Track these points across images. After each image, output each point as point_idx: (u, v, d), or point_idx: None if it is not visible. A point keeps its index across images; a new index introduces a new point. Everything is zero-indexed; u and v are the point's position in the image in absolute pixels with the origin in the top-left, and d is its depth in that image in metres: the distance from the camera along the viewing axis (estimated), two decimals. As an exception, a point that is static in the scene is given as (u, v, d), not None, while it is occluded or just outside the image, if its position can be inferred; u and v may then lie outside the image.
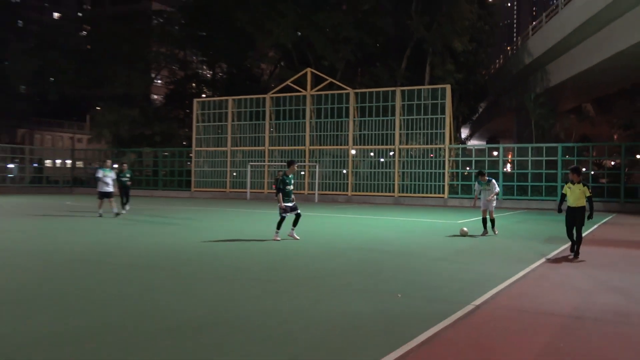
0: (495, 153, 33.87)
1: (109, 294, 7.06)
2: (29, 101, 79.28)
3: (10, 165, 43.56)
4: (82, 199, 31.39)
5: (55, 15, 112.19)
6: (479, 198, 14.67)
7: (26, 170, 43.73)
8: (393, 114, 32.71)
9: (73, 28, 65.29)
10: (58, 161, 53.09)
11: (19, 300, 6.67)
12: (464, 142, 59.55)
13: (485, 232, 14.36)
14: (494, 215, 14.56)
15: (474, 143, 66.64)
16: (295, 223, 12.71)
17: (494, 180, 14.55)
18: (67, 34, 58.81)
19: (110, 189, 18.85)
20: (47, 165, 51.45)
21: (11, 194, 37.61)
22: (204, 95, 50.90)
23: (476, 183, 14.91)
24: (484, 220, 14.44)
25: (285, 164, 13.44)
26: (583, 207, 10.58)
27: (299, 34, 43.39)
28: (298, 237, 12.53)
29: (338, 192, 33.86)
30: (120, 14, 70.28)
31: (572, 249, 10.82)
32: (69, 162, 49.24)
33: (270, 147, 35.68)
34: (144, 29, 54.91)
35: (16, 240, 12.48)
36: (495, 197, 14.41)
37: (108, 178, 18.83)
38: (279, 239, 12.33)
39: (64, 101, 56.70)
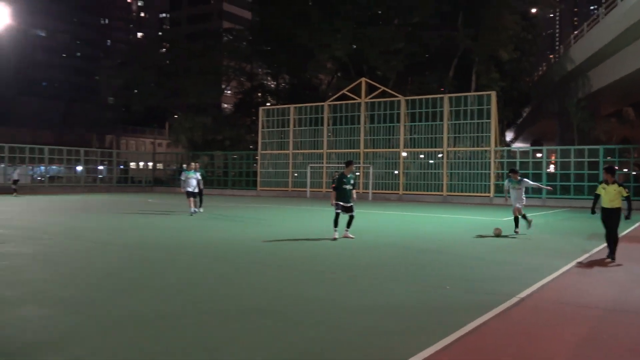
0: (539, 155, 32.91)
1: (185, 281, 7.32)
2: (116, 111, 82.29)
3: (100, 167, 45.32)
4: (161, 197, 32.37)
5: (139, 35, 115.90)
6: (509, 197, 13.89)
7: (114, 172, 45.29)
8: (441, 119, 32.29)
9: (154, 46, 67.28)
10: (141, 163, 54.85)
11: (108, 285, 7.02)
12: (508, 144, 58.17)
13: (517, 231, 13.42)
14: (521, 214, 13.46)
15: (518, 145, 64.94)
16: (348, 224, 12.05)
17: (525, 179, 13.70)
18: (149, 51, 60.65)
19: (194, 189, 18.51)
20: (132, 167, 53.20)
21: (101, 192, 39.12)
22: (268, 104, 51.53)
23: (507, 181, 13.91)
24: (516, 219, 13.55)
25: (343, 164, 12.83)
26: (618, 208, 9.51)
27: (354, 47, 43.41)
28: (352, 236, 11.92)
29: (390, 192, 33.68)
30: (195, 33, 72.12)
31: (610, 252, 9.64)
32: (150, 164, 50.84)
33: (328, 150, 35.83)
34: (216, 45, 56.15)
35: (110, 233, 13.05)
36: (524, 194, 13.51)
37: (191, 179, 18.53)
38: (337, 237, 11.75)
39: (146, 110, 58.39)
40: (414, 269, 8.53)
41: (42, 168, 42.42)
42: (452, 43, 42.19)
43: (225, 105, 66.56)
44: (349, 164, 12.25)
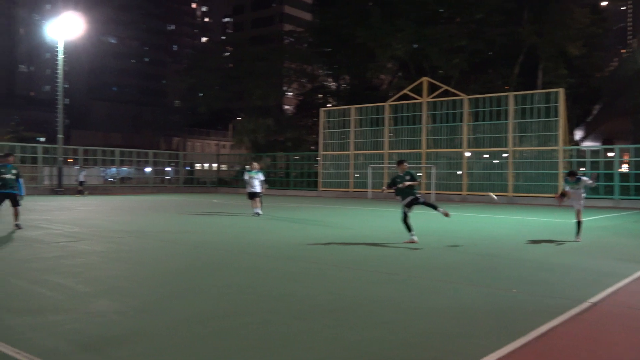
0: (610, 154, 31.45)
1: (249, 281, 7.44)
2: (182, 114, 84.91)
3: (168, 169, 46.85)
4: (226, 198, 33.08)
5: (204, 39, 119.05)
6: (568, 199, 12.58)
7: (180, 173, 46.68)
8: (506, 118, 31.43)
9: (218, 50, 68.96)
10: (206, 165, 56.29)
11: (175, 284, 7.23)
12: (577, 143, 55.93)
13: (578, 239, 11.98)
14: (582, 218, 12.16)
15: (588, 144, 62.32)
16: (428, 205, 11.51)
17: (584, 178, 12.78)
18: (213, 55, 62.22)
19: (256, 189, 18.36)
20: (197, 168, 54.68)
21: (168, 192, 40.40)
22: (329, 105, 51.77)
23: (564, 183, 12.73)
24: (579, 224, 12.12)
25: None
26: None
27: (415, 46, 42.94)
28: (417, 240, 11.26)
29: (453, 192, 33.07)
30: (257, 36, 73.38)
31: None
32: (215, 165, 52.11)
33: (389, 151, 35.58)
34: (277, 48, 56.95)
35: (177, 232, 13.46)
36: (584, 193, 12.22)
37: (254, 180, 18.42)
38: (416, 239, 11.19)
39: (210, 113, 59.93)
40: (479, 271, 8.34)
41: (114, 169, 44.28)
42: (517, 39, 40.99)
43: (287, 107, 67.37)
44: (399, 163, 11.99)
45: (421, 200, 11.51)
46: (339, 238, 12.21)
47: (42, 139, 62.55)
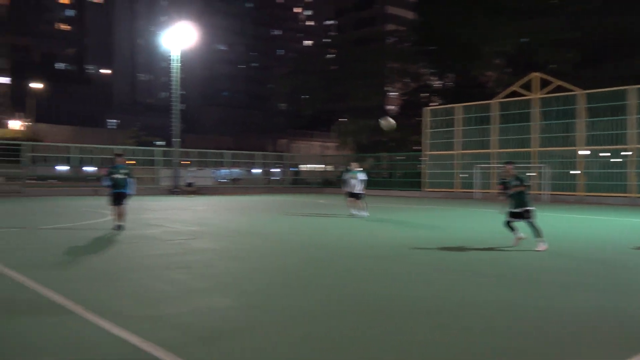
0: None
1: (355, 281, 7.44)
2: (287, 116, 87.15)
3: (275, 170, 48.24)
4: (331, 198, 33.45)
5: (307, 43, 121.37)
6: None
7: (286, 173, 47.83)
8: (628, 113, 29.16)
9: (320, 52, 70.03)
10: (311, 166, 57.25)
11: (284, 281, 7.38)
12: None
13: None
14: None
15: None
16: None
17: None
18: (316, 58, 63.27)
19: (356, 189, 17.87)
20: (303, 169, 55.76)
21: (275, 193, 41.53)
22: (433, 104, 50.80)
23: None
24: None
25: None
26: None
27: (524, 40, 41.02)
28: (524, 236, 10.56)
29: (567, 193, 31.18)
30: (359, 38, 73.59)
31: None
32: (320, 166, 52.81)
33: (497, 150, 34.24)
34: (379, 48, 56.81)
35: (285, 231, 13.80)
36: None
37: (353, 180, 17.90)
38: (523, 236, 10.50)
39: (314, 114, 60.97)
40: (597, 275, 7.78)
41: (225, 171, 46.31)
42: (638, 29, 37.91)
43: (390, 107, 67.01)
44: (506, 164, 10.79)
45: (529, 217, 10.26)
46: (444, 240, 11.90)
47: (162, 143, 66.69)
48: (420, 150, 41.41)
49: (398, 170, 42.97)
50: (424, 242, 11.37)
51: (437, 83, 56.82)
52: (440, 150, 37.48)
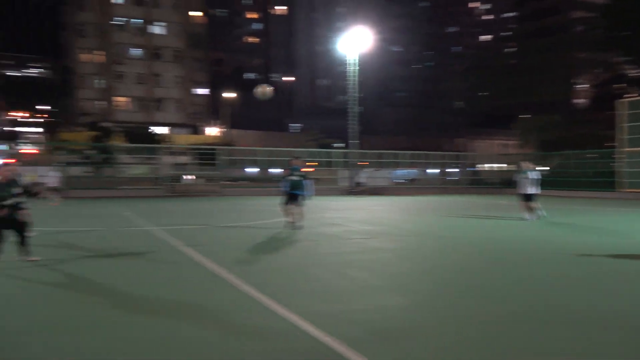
0: None
1: (529, 285, 7.08)
2: (463, 114, 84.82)
3: (451, 170, 47.31)
4: (512, 199, 31.84)
5: (484, 38, 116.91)
6: None
7: (464, 173, 46.63)
8: None
9: (499, 47, 67.06)
10: (490, 165, 55.07)
11: (455, 283, 7.28)
12: None
13: None
14: None
15: None
16: None
17: None
18: (494, 53, 60.74)
19: (528, 190, 16.46)
20: (482, 168, 53.85)
21: (452, 193, 40.68)
22: (628, 95, 45.73)
23: None
24: None
25: None
26: None
27: None
28: None
29: None
30: (542, 28, 68.95)
31: None
32: (500, 165, 50.56)
33: None
34: (564, 38, 52.70)
35: (459, 233, 13.55)
36: None
37: (525, 179, 16.61)
38: None
39: (492, 112, 58.59)
40: None
41: (401, 171, 46.59)
42: None
43: (577, 101, 61.77)
44: None
45: None
46: (625, 248, 10.75)
47: (341, 145, 69.16)
48: (614, 147, 37.57)
49: (587, 170, 39.39)
50: (613, 249, 10.38)
51: (633, 72, 50.98)
52: (638, 147, 33.59)
